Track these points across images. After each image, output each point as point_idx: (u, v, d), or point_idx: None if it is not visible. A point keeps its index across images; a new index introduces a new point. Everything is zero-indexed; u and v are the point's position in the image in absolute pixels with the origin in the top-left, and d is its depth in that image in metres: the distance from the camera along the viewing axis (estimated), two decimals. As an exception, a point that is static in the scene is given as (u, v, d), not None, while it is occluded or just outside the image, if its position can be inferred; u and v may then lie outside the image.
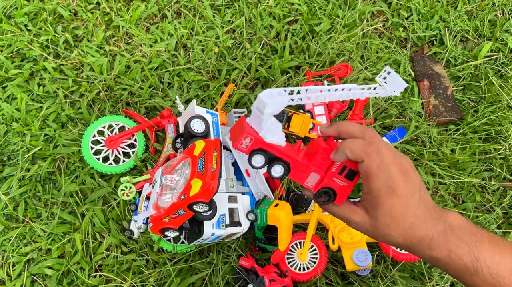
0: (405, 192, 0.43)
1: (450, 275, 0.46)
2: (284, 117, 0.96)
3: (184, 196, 0.70)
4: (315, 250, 0.89)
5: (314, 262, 0.88)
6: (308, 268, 0.88)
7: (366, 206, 0.47)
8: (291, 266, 0.88)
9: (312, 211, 0.92)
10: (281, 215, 0.81)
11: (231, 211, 0.82)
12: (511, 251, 0.44)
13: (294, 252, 0.89)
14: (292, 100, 0.47)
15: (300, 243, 0.90)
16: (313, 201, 0.91)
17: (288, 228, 0.82)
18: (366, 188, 0.46)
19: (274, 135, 0.49)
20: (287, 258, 0.89)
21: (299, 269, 0.88)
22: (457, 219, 0.45)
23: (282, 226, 0.81)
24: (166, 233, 0.77)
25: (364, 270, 0.87)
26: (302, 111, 1.04)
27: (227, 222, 0.81)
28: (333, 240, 0.88)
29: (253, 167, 0.51)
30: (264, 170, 0.92)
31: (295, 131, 0.96)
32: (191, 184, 0.70)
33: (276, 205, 0.84)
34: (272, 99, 0.45)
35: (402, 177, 0.43)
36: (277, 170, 0.51)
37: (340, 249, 0.88)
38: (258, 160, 0.51)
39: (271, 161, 0.51)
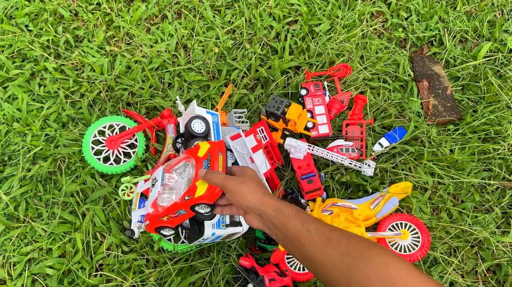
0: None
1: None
2: (282, 105, 0.97)
3: (188, 197, 0.70)
4: (409, 226, 0.91)
5: None
6: None
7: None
8: (291, 265, 0.89)
9: (311, 211, 0.92)
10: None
11: None
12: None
13: None
14: None
15: (401, 224, 0.92)
16: (308, 206, 0.92)
17: None
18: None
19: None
20: (287, 258, 0.89)
21: (299, 269, 0.88)
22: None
23: None
24: (161, 231, 0.77)
25: None
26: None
27: (228, 222, 0.81)
28: None
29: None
30: (265, 169, 0.93)
31: (291, 118, 0.97)
32: (196, 185, 0.70)
33: None
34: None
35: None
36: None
37: None
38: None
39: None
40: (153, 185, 0.78)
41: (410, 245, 0.91)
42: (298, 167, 0.96)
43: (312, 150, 0.97)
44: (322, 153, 0.97)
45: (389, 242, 0.91)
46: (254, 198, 0.61)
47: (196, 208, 0.71)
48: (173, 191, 0.74)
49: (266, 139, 0.97)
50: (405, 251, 0.89)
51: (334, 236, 0.54)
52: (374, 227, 0.95)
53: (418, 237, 0.91)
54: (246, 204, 0.61)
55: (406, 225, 0.93)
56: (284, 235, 0.58)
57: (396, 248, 0.90)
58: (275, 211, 0.59)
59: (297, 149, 0.97)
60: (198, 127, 0.88)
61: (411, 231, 0.92)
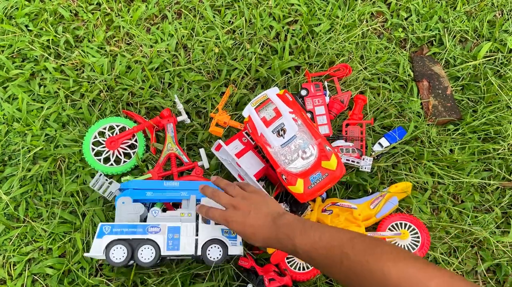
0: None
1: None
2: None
3: (285, 177, 0.85)
4: (409, 226, 0.92)
5: None
6: (308, 267, 0.88)
7: None
8: (291, 265, 0.89)
9: (311, 211, 0.92)
10: None
11: None
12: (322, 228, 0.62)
13: None
14: None
15: (401, 224, 0.92)
16: (309, 206, 0.92)
17: None
18: None
19: None
20: (287, 257, 0.89)
21: (299, 269, 0.88)
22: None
23: None
24: (245, 134, 0.97)
25: None
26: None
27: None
28: None
29: None
30: (255, 171, 0.93)
31: None
32: (297, 180, 0.85)
33: None
34: None
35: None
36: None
37: None
38: None
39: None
40: (278, 132, 0.89)
41: (410, 245, 0.91)
42: None
43: None
44: None
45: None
46: (261, 239, 0.67)
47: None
48: (282, 153, 0.88)
49: (253, 141, 0.97)
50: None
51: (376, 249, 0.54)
52: (374, 227, 0.95)
53: (418, 237, 0.91)
54: (256, 244, 0.69)
55: (406, 225, 0.93)
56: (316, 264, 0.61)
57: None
58: (292, 251, 0.63)
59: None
60: None
61: (411, 231, 0.92)
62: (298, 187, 0.84)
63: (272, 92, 0.94)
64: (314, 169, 0.85)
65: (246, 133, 0.99)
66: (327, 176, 0.85)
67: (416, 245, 0.90)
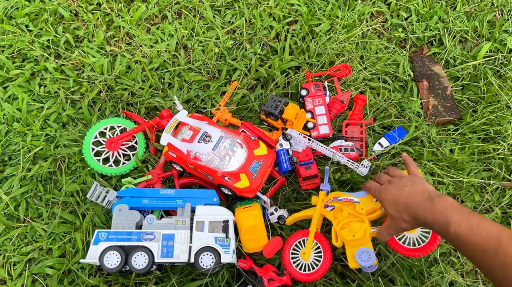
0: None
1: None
2: (280, 104, 0.99)
3: (228, 178, 0.87)
4: (319, 248, 0.88)
5: (319, 261, 0.87)
6: (313, 267, 0.87)
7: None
8: (296, 265, 0.88)
9: (314, 206, 0.91)
10: (239, 217, 0.88)
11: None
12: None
13: (298, 251, 0.89)
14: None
15: (303, 241, 0.90)
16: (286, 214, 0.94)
17: (248, 231, 0.87)
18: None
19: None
20: (292, 258, 0.88)
21: (304, 268, 0.87)
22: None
23: (240, 228, 0.88)
24: (173, 164, 0.95)
25: (371, 266, 0.82)
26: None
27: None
28: (337, 236, 0.85)
29: None
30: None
31: (288, 118, 0.98)
32: (239, 176, 0.87)
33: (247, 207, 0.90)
34: None
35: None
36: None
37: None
38: None
39: None
40: (205, 139, 0.90)
41: (420, 238, 0.84)
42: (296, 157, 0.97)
43: (312, 143, 0.97)
44: (321, 148, 0.97)
45: (396, 236, 0.86)
46: (412, 213, 0.71)
47: (222, 188, 0.91)
48: (216, 157, 0.89)
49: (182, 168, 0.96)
50: (413, 245, 0.83)
51: None
52: (380, 221, 0.88)
53: (427, 232, 0.85)
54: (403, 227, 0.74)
55: None
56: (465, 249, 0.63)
57: (404, 242, 0.84)
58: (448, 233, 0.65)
59: (297, 141, 0.97)
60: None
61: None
62: (243, 182, 0.87)
63: (182, 115, 0.96)
64: (250, 160, 0.90)
65: (171, 162, 0.96)
66: (264, 161, 0.91)
67: (426, 238, 0.83)
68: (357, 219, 0.84)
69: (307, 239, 0.88)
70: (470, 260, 0.65)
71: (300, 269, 0.87)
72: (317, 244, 0.89)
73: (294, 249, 0.89)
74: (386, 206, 0.76)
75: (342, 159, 0.97)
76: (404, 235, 0.86)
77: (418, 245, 0.83)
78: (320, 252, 0.88)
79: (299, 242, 0.90)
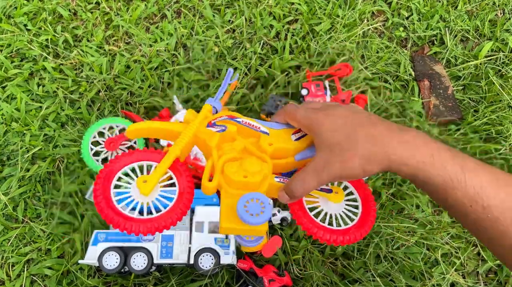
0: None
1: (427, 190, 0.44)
2: (280, 104, 0.99)
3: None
4: (173, 185, 0.48)
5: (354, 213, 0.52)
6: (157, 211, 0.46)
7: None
8: (322, 220, 0.51)
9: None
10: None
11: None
12: (490, 168, 0.43)
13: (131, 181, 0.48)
14: None
15: (149, 167, 0.50)
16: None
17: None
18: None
19: None
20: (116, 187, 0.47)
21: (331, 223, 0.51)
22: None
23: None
24: None
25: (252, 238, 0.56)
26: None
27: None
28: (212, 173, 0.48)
29: None
30: None
31: None
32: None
33: None
34: None
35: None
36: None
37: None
38: None
39: None
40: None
41: (344, 215, 0.52)
42: None
43: None
44: None
45: (308, 204, 0.51)
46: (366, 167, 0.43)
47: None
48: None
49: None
50: (337, 225, 0.50)
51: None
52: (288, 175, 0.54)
53: (356, 207, 0.53)
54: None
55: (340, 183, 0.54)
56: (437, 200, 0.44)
57: (318, 217, 0.51)
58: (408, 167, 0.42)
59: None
60: None
61: (347, 194, 0.54)
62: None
63: (182, 115, 0.94)
64: None
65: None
66: None
67: (353, 217, 0.51)
68: (256, 158, 0.48)
69: (154, 165, 0.49)
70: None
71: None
72: (171, 177, 0.49)
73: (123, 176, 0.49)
74: (326, 134, 0.45)
75: None
76: (319, 207, 0.52)
77: (341, 225, 0.50)
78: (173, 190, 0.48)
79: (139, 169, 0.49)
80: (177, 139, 0.49)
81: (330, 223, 0.51)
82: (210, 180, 0.46)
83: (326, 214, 0.52)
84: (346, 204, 0.53)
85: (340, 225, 0.50)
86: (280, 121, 0.53)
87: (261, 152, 0.50)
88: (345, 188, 0.54)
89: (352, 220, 0.51)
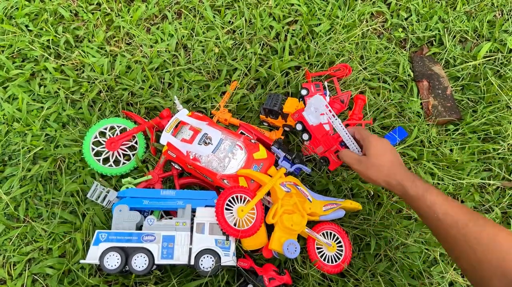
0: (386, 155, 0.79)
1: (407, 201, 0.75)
2: (279, 100, 1.00)
3: (227, 181, 0.88)
4: (338, 239, 0.91)
5: (340, 253, 0.90)
6: (336, 260, 0.89)
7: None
8: (321, 256, 0.89)
9: (271, 176, 0.89)
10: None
11: None
12: (446, 196, 0.71)
13: (233, 205, 0.84)
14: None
15: (244, 199, 0.85)
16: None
17: None
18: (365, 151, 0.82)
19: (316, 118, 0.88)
20: (317, 247, 0.89)
21: (328, 261, 0.89)
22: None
23: None
24: (173, 163, 0.95)
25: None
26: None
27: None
28: (274, 215, 0.84)
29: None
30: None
31: (289, 111, 0.99)
32: (238, 179, 0.87)
33: None
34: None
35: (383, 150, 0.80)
36: (306, 136, 0.95)
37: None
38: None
39: (303, 131, 0.94)
40: (205, 142, 0.90)
41: (334, 256, 0.90)
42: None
43: (335, 120, 0.86)
44: (341, 130, 0.86)
45: (317, 245, 0.90)
46: (379, 179, 0.77)
47: (221, 190, 0.88)
48: (215, 159, 0.89)
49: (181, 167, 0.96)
50: (328, 261, 0.89)
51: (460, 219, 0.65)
52: (309, 225, 0.91)
53: (341, 252, 0.90)
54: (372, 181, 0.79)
55: (334, 236, 0.92)
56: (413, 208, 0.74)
57: (321, 256, 0.89)
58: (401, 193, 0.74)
59: (315, 111, 0.88)
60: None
61: (338, 245, 0.91)
62: (241, 185, 0.87)
63: (182, 114, 0.96)
64: (249, 163, 0.89)
65: (170, 161, 0.96)
66: (263, 165, 0.90)
67: (338, 258, 0.90)
68: (299, 213, 0.85)
69: (249, 199, 0.84)
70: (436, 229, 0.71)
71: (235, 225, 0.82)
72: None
73: (230, 201, 0.84)
74: (376, 153, 0.79)
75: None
76: (322, 250, 0.90)
77: (332, 262, 0.89)
78: (340, 245, 0.91)
79: (238, 197, 0.84)
80: (263, 187, 0.86)
81: (325, 259, 0.90)
82: (273, 218, 0.83)
83: (324, 254, 0.90)
84: (337, 250, 0.91)
85: (329, 262, 0.90)
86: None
87: (303, 210, 0.86)
88: (340, 242, 0.92)
89: (339, 258, 0.91)
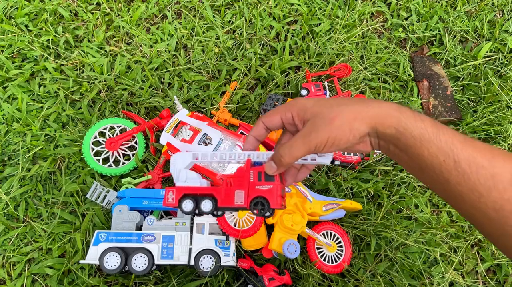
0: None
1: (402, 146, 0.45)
2: (279, 102, 1.01)
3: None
4: (338, 239, 0.91)
5: (341, 254, 0.90)
6: (336, 260, 0.89)
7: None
8: (321, 256, 0.89)
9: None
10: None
11: None
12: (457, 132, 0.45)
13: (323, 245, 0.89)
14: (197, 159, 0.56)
15: (330, 234, 0.91)
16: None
17: None
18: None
19: (186, 180, 0.56)
20: (317, 248, 0.89)
21: (328, 261, 0.89)
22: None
23: None
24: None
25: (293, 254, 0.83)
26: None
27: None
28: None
29: (185, 213, 0.54)
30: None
31: None
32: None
33: None
34: (179, 159, 0.56)
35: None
36: (207, 206, 0.55)
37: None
38: (188, 205, 0.55)
39: (197, 200, 0.55)
40: (205, 142, 0.90)
41: (334, 257, 0.90)
42: None
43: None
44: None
45: (317, 246, 0.90)
46: (361, 129, 0.44)
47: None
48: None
49: None
50: (328, 261, 0.89)
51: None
52: (309, 225, 0.92)
53: (341, 252, 0.90)
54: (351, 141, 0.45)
55: (334, 236, 0.92)
56: (414, 164, 0.45)
57: (322, 256, 0.89)
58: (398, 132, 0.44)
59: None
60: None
61: (338, 245, 0.91)
62: None
63: (182, 114, 0.96)
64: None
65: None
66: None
67: (339, 258, 0.90)
68: (299, 213, 0.86)
69: (331, 232, 0.90)
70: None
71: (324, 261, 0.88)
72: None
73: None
74: (312, 108, 0.47)
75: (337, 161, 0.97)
76: (322, 250, 0.89)
77: (332, 262, 0.89)
78: (340, 245, 0.90)
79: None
80: None
81: (325, 259, 0.89)
82: (273, 218, 0.84)
83: (324, 254, 0.90)
84: (337, 252, 0.90)
85: (329, 263, 0.89)
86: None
87: (303, 210, 0.86)
88: (340, 243, 0.91)
89: (339, 259, 0.90)
